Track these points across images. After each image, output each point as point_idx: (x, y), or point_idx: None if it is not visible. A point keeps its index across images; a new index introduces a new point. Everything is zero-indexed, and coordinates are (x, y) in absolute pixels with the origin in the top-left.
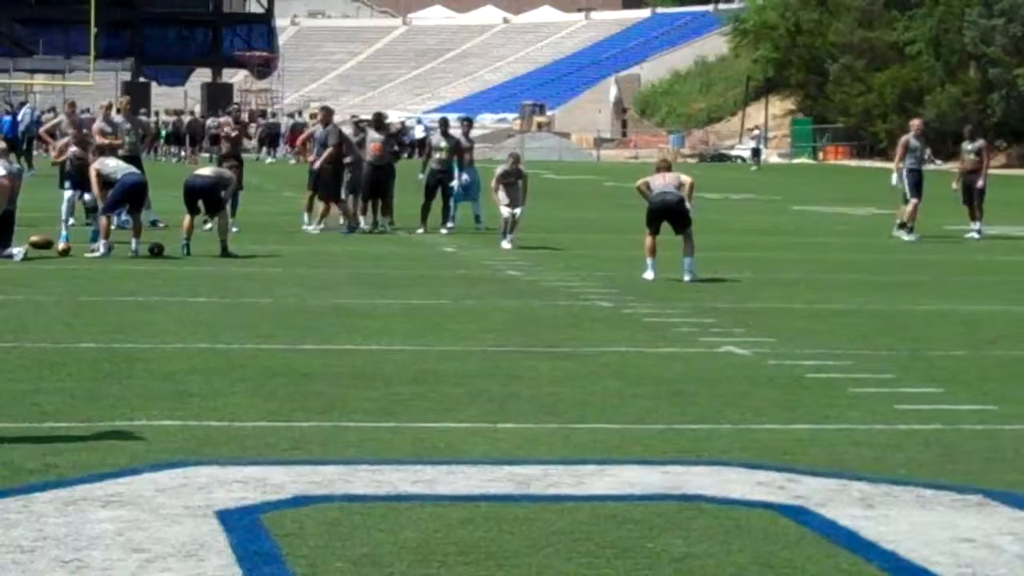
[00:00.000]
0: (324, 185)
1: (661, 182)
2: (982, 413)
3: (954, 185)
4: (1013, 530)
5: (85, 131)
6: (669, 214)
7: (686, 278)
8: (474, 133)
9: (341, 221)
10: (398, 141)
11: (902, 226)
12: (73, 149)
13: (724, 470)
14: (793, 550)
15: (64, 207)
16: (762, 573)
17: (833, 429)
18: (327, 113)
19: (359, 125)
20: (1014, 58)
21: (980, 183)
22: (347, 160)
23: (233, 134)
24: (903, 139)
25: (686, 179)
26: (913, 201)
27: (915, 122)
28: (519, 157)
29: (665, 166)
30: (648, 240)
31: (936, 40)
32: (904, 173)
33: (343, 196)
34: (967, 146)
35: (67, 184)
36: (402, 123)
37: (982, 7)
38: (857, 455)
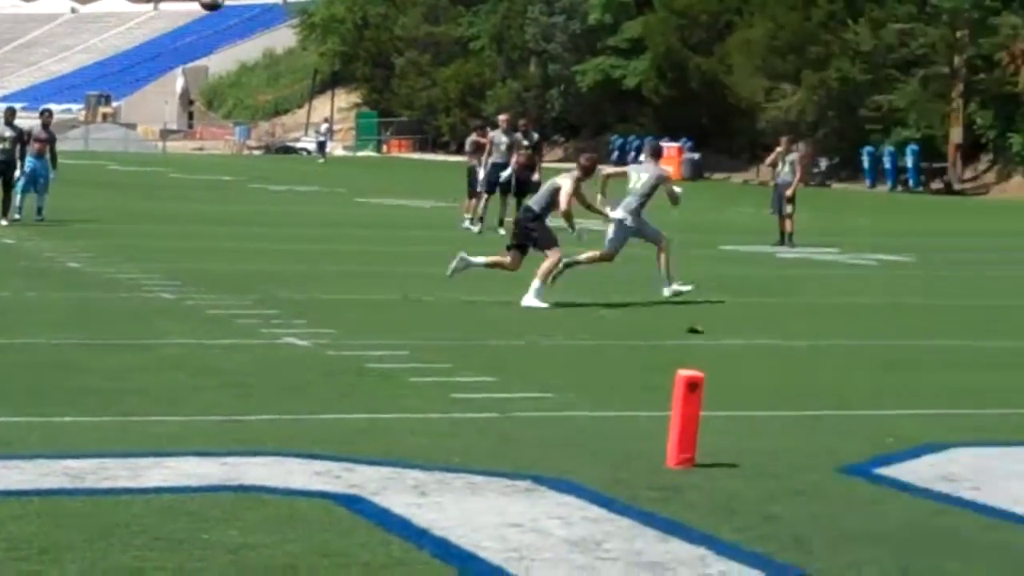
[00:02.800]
0: None
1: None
2: (537, 401)
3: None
4: (560, 514)
5: None
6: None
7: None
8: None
9: None
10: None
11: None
12: None
13: (284, 460)
14: (347, 538)
15: None
16: (316, 562)
17: (391, 418)
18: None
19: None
20: (573, 55)
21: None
22: None
23: None
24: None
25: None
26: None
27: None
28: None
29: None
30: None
31: (499, 36)
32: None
33: None
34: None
35: None
36: None
37: (543, 4)
38: (414, 443)
